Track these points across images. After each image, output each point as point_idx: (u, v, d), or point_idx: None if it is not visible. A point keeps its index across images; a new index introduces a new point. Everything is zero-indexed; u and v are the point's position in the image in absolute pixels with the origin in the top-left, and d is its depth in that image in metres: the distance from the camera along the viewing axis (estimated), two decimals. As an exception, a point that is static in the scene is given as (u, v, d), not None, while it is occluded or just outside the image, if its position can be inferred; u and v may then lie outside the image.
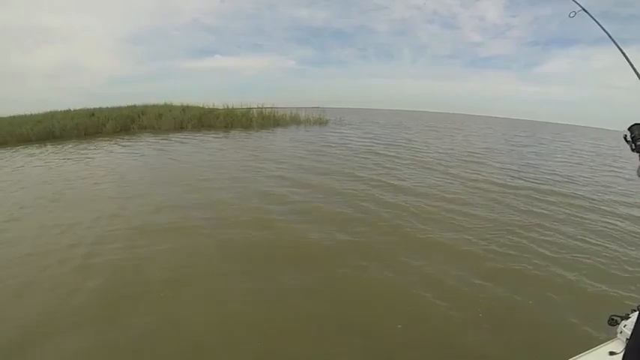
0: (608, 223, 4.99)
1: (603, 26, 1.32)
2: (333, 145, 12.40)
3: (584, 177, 8.71)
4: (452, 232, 4.38)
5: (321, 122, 20.81)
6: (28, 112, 16.48)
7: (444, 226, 4.57)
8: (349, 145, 12.29)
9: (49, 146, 12.05)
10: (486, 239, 4.19)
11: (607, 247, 4.07)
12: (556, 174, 8.77)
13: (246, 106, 20.27)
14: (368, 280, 3.25)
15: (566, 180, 8.10)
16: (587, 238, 4.33)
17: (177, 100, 20.00)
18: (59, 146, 11.97)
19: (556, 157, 12.54)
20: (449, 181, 7.27)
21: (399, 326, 2.57)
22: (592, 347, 1.42)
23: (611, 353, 1.35)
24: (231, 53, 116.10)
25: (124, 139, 13.58)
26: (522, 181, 7.62)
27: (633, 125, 0.98)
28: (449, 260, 3.63)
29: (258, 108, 20.11)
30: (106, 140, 13.25)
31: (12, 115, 16.44)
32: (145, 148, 11.19)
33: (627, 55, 1.26)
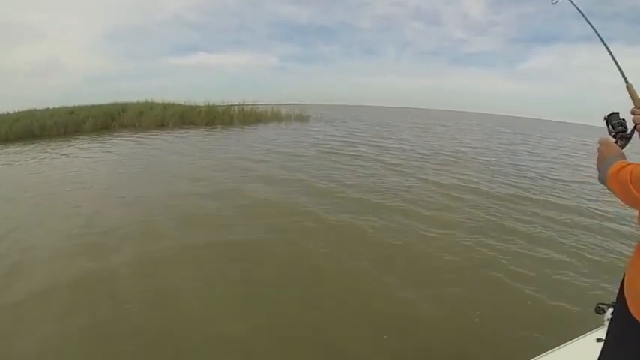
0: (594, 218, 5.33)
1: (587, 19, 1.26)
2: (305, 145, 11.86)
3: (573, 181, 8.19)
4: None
5: (301, 119, 21.30)
6: (6, 111, 16.43)
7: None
8: (319, 144, 11.93)
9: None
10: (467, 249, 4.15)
11: (592, 242, 4.38)
12: (546, 177, 8.41)
13: (228, 103, 20.62)
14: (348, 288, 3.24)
15: (556, 184, 7.72)
16: (571, 235, 4.61)
17: (160, 98, 20.09)
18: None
19: (545, 157, 12.22)
20: (428, 191, 6.47)
21: (385, 336, 2.57)
22: (579, 335, 1.49)
23: (599, 340, 1.37)
24: (215, 50, 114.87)
25: (79, 140, 13.69)
26: (509, 187, 7.14)
27: (611, 114, 1.03)
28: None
29: (240, 105, 20.44)
30: (73, 141, 13.31)
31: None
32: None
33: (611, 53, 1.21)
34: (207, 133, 15.17)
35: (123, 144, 12.08)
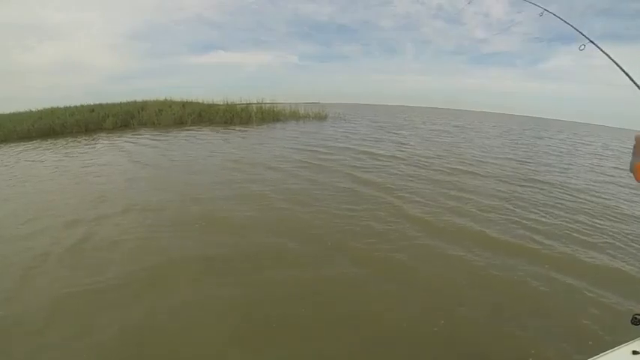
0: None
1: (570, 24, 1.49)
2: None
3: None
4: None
5: (319, 117, 20.81)
6: (29, 109, 16.69)
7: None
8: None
9: None
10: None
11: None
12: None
13: (247, 102, 20.38)
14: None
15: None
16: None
17: (180, 96, 20.09)
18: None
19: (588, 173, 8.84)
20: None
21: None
22: (615, 346, 1.40)
23: (635, 352, 1.32)
24: (234, 49, 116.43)
25: (79, 140, 13.59)
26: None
27: None
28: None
29: (258, 103, 20.13)
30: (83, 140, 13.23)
31: (13, 112, 16.72)
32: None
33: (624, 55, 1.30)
34: (223, 133, 14.80)
35: (120, 145, 11.18)
